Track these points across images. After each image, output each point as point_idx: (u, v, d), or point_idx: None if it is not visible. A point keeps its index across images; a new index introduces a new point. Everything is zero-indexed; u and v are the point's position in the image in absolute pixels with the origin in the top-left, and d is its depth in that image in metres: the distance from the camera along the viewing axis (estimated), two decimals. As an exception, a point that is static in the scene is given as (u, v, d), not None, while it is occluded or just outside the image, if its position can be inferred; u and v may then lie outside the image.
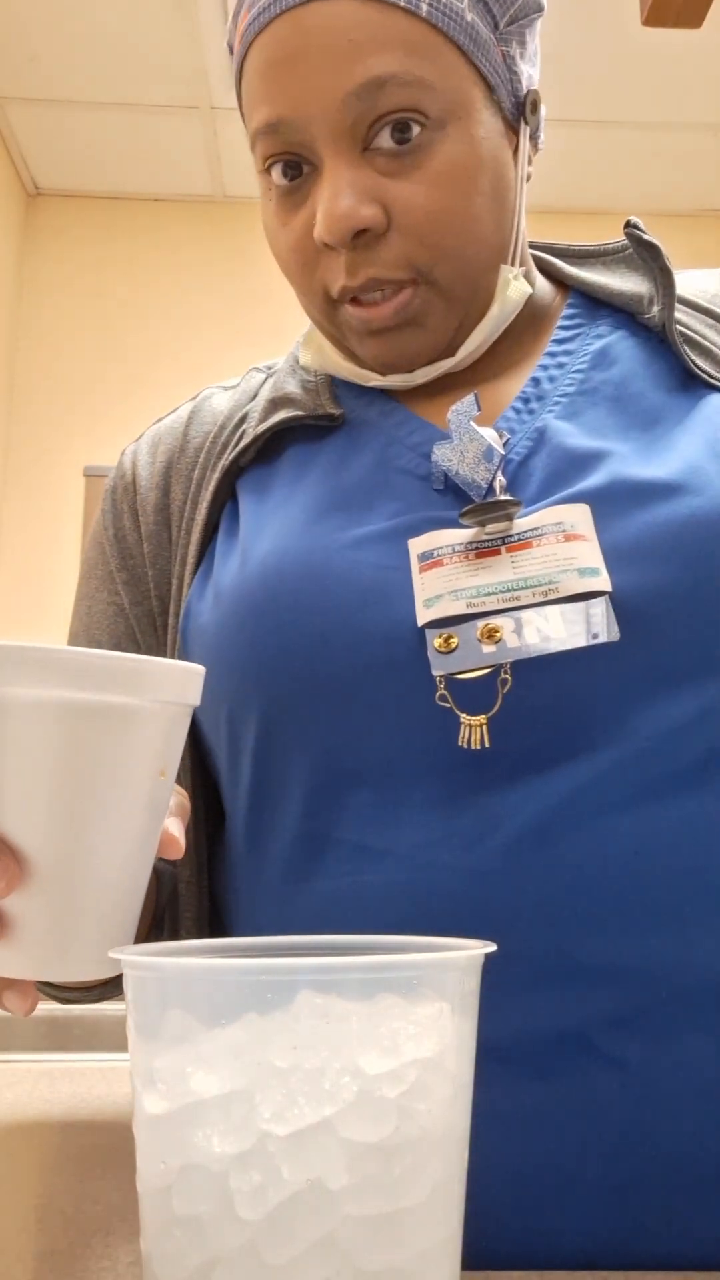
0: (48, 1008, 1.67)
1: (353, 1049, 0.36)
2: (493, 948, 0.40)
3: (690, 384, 0.67)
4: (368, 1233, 0.35)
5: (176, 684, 0.48)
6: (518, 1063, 0.54)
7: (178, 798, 0.54)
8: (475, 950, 0.40)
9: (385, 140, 0.63)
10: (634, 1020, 0.54)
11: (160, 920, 0.72)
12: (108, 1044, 1.48)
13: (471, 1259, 0.52)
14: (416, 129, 0.63)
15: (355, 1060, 0.36)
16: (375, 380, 0.71)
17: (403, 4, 0.62)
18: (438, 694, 0.58)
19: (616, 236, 0.77)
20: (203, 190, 3.08)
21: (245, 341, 2.99)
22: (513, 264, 0.70)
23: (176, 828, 0.52)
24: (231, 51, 0.71)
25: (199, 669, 0.50)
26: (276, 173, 0.67)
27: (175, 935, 0.74)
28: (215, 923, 0.72)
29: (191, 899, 0.71)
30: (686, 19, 0.83)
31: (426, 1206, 0.37)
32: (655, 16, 0.83)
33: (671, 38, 2.40)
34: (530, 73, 0.70)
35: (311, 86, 0.63)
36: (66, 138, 2.86)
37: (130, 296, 3.08)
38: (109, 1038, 1.50)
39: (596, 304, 0.74)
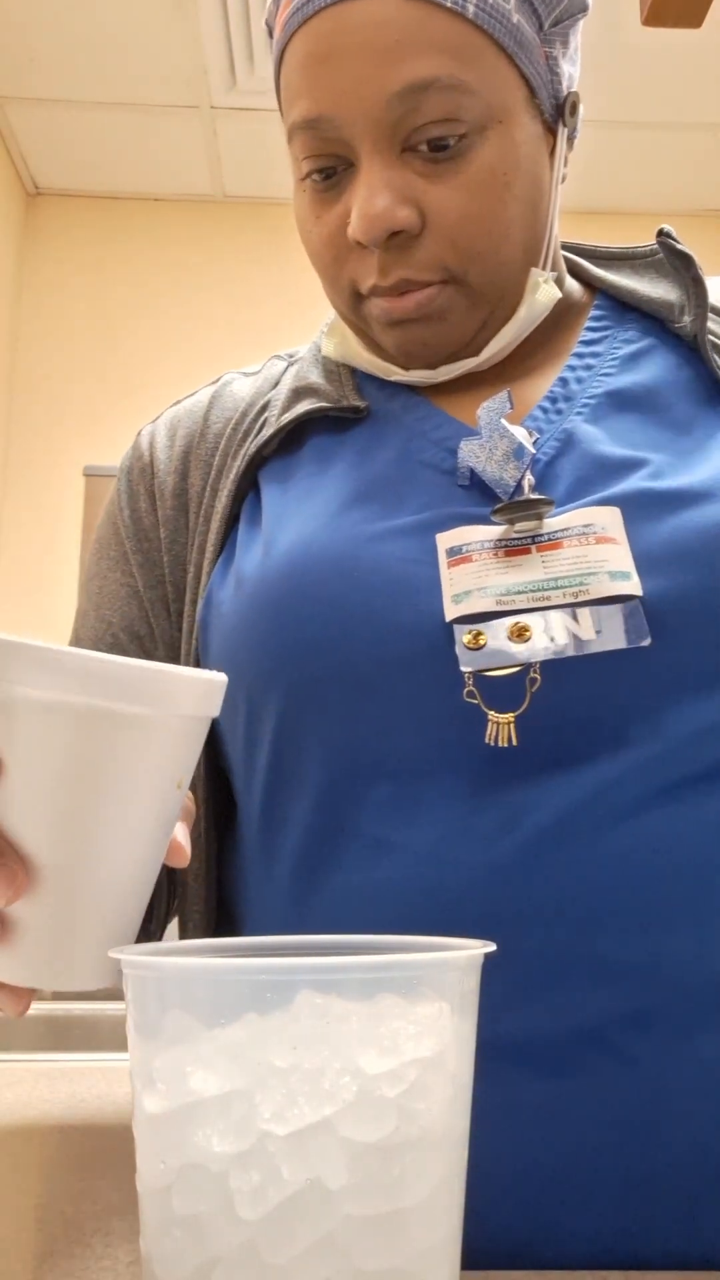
0: (47, 1007, 1.67)
1: (352, 1049, 0.36)
2: (492, 947, 0.40)
3: (718, 393, 0.67)
4: (367, 1232, 0.35)
5: (197, 697, 0.47)
6: (532, 1060, 0.54)
7: (184, 801, 0.54)
8: (474, 950, 0.40)
9: (424, 142, 0.63)
10: (648, 1019, 0.54)
11: (149, 915, 0.72)
12: (107, 1044, 1.48)
13: (480, 1256, 0.52)
14: (456, 133, 0.63)
15: (355, 1060, 0.36)
16: (398, 375, 0.71)
17: (449, 4, 0.62)
18: (465, 690, 0.58)
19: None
20: (202, 190, 3.08)
21: (245, 341, 2.99)
22: (544, 267, 0.70)
23: (183, 834, 0.52)
24: (271, 34, 0.71)
25: (220, 680, 0.49)
26: (312, 166, 0.67)
27: (182, 928, 0.73)
28: (223, 916, 0.71)
29: (199, 891, 0.70)
30: (686, 19, 0.83)
31: (426, 1206, 0.37)
32: (655, 16, 0.83)
33: (671, 38, 2.40)
34: (571, 72, 0.70)
35: (353, 86, 0.62)
36: (66, 137, 2.86)
37: (130, 296, 3.08)
38: (108, 1037, 1.50)
39: (624, 307, 0.74)
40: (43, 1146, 0.75)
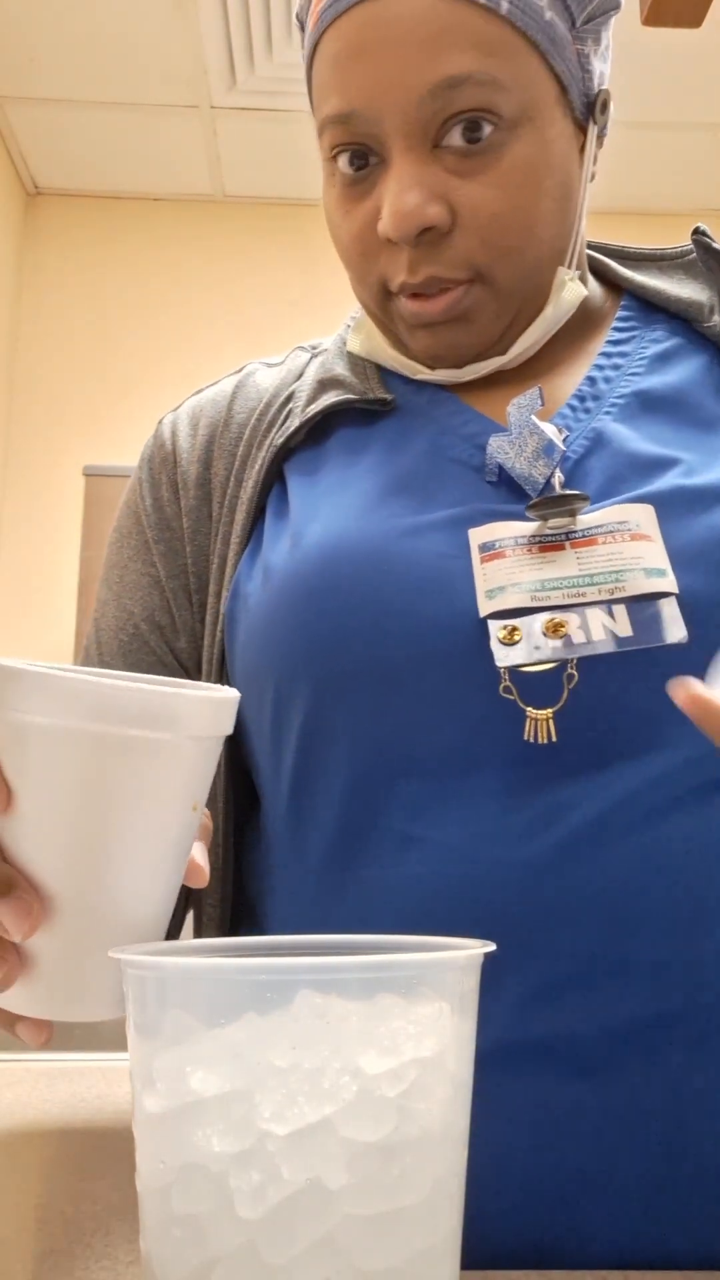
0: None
1: (352, 1048, 0.36)
2: (492, 947, 0.40)
3: None
4: (367, 1232, 0.35)
5: (210, 718, 0.46)
6: (560, 1060, 0.54)
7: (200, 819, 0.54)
8: (474, 950, 0.40)
9: (456, 139, 0.63)
10: (677, 1021, 0.53)
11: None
12: (107, 1043, 1.47)
13: (503, 1255, 0.52)
14: (488, 129, 0.63)
15: (355, 1060, 0.36)
16: (424, 374, 0.71)
17: (483, 1, 0.62)
18: (502, 686, 0.57)
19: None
20: (202, 190, 3.07)
21: (245, 340, 2.99)
22: (570, 266, 0.70)
23: (200, 854, 0.52)
24: (302, 27, 0.70)
25: (232, 698, 0.48)
26: (343, 161, 0.66)
27: (197, 925, 0.73)
28: (243, 912, 0.71)
29: (215, 887, 0.70)
30: (686, 19, 0.83)
31: (426, 1206, 0.37)
32: (655, 16, 0.83)
33: (671, 37, 2.40)
34: (602, 70, 0.70)
35: (386, 81, 0.62)
36: (66, 137, 2.86)
37: (130, 296, 3.08)
38: (108, 1037, 1.49)
39: (650, 308, 0.74)
40: (42, 1146, 0.75)
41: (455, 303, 0.66)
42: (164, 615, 0.75)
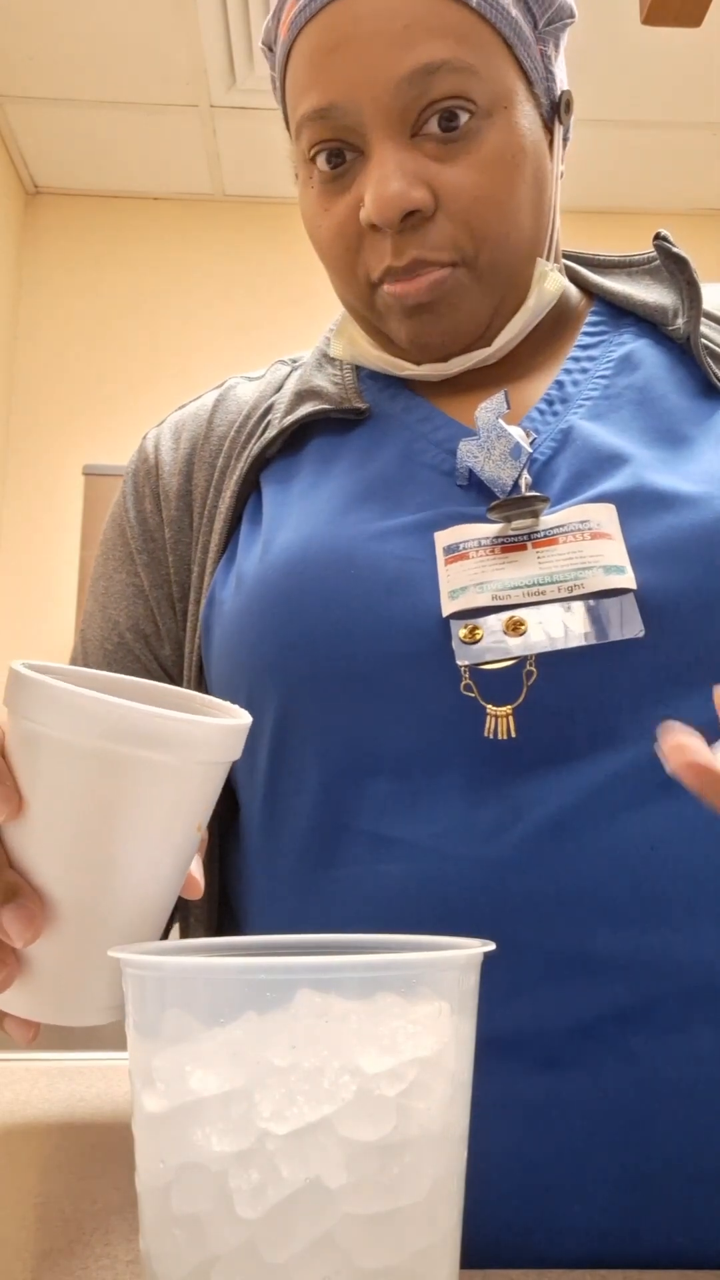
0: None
1: (352, 1048, 0.36)
2: (491, 946, 0.40)
3: (711, 395, 0.68)
4: (367, 1231, 0.35)
5: (220, 744, 0.47)
6: (528, 1054, 0.54)
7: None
8: (474, 950, 0.40)
9: (433, 126, 0.64)
10: (644, 1013, 0.54)
11: None
12: (106, 1043, 1.47)
13: (477, 1253, 0.52)
14: (465, 116, 0.64)
15: (354, 1059, 0.36)
16: (409, 369, 0.72)
17: None
18: (463, 684, 0.58)
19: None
20: (202, 189, 3.07)
21: (245, 339, 2.99)
22: (548, 259, 0.72)
23: (196, 867, 0.52)
24: (270, 49, 0.72)
25: (244, 724, 0.48)
26: (321, 159, 0.67)
27: (184, 926, 0.74)
28: (225, 913, 0.72)
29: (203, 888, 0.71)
30: (686, 18, 0.83)
31: (425, 1205, 0.37)
32: (655, 15, 0.83)
33: (671, 37, 2.40)
34: (561, 76, 0.72)
35: (363, 71, 0.64)
36: (66, 136, 2.85)
37: (130, 295, 3.07)
38: (108, 1036, 1.50)
39: (620, 313, 0.76)
40: (42, 1145, 0.75)
41: (438, 283, 0.67)
42: (148, 624, 0.77)
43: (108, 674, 0.52)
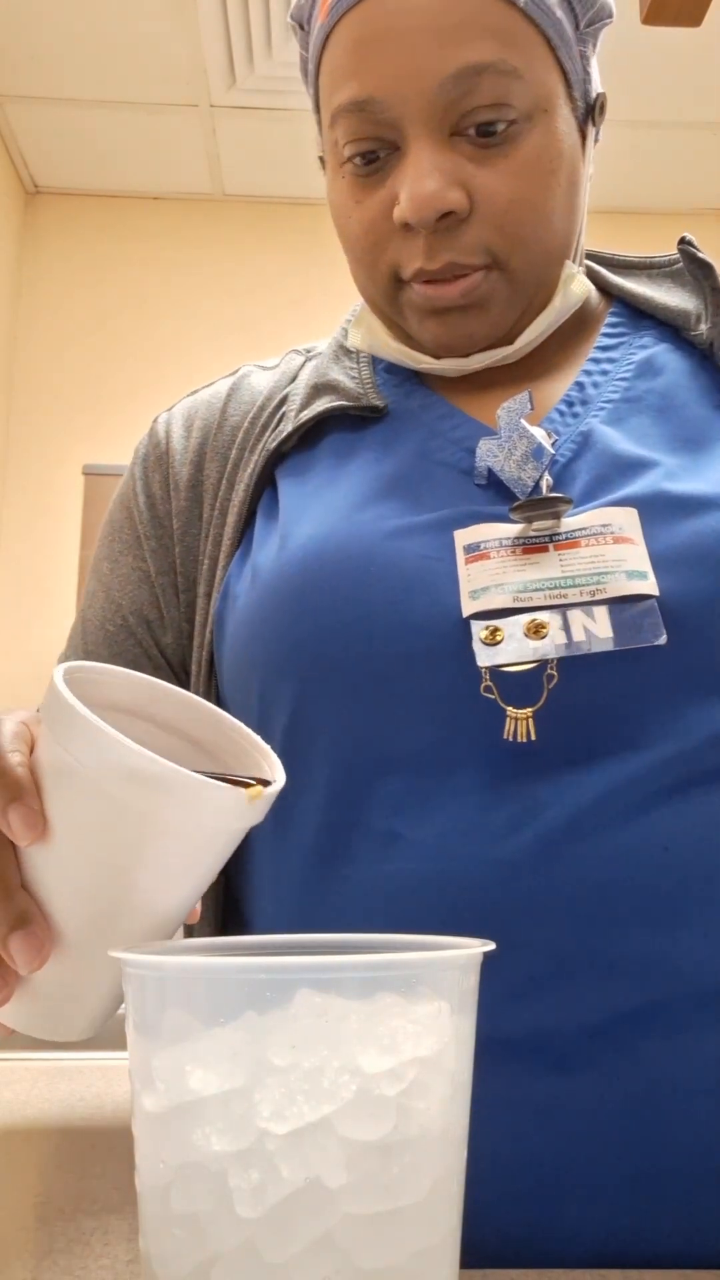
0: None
1: (351, 1048, 0.36)
2: (491, 946, 0.40)
3: None
4: (366, 1231, 0.35)
5: (252, 814, 0.46)
6: (537, 1055, 0.54)
7: None
8: (473, 949, 0.40)
9: (473, 127, 0.64)
10: (655, 1015, 0.54)
11: None
12: (106, 1042, 1.47)
13: (483, 1252, 0.52)
14: (506, 118, 0.64)
15: (354, 1059, 0.36)
16: (428, 363, 0.72)
17: None
18: (483, 685, 0.58)
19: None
20: (202, 188, 3.07)
21: (245, 339, 2.99)
22: (575, 261, 0.71)
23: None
24: (302, 26, 0.71)
25: (273, 792, 0.47)
26: (355, 150, 0.66)
27: (188, 927, 0.73)
28: (230, 908, 0.71)
29: (209, 888, 0.70)
30: (686, 17, 0.83)
31: (425, 1205, 0.37)
32: (655, 14, 0.83)
33: (671, 36, 2.40)
34: (597, 77, 0.72)
35: (408, 67, 0.63)
36: (66, 136, 2.85)
37: (130, 295, 3.07)
38: (108, 1036, 1.49)
39: (639, 314, 0.75)
40: (42, 1145, 0.75)
41: (473, 287, 0.66)
42: (152, 610, 0.76)
43: (152, 680, 0.51)
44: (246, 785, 0.46)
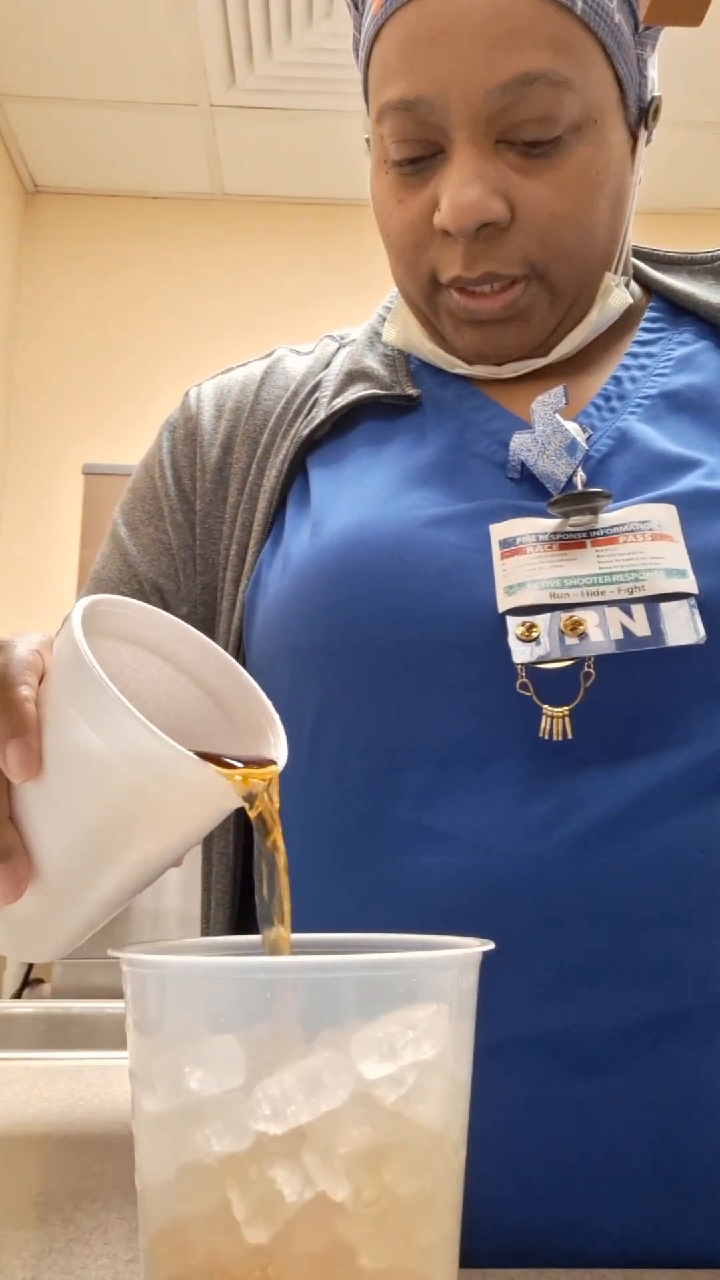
0: (46, 1005, 1.66)
1: (351, 1048, 0.36)
2: (490, 946, 0.40)
3: None
4: (366, 1232, 0.35)
5: (236, 798, 0.46)
6: (566, 1056, 0.54)
7: None
8: (472, 949, 0.40)
9: (520, 136, 0.63)
10: (685, 1020, 0.53)
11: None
12: (106, 1042, 1.47)
13: (507, 1252, 0.52)
14: (552, 135, 0.62)
15: (354, 1059, 0.36)
16: (461, 368, 0.71)
17: None
18: (519, 682, 0.57)
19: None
20: (202, 188, 3.07)
21: (245, 338, 2.99)
22: (616, 272, 0.70)
23: None
24: (357, 7, 0.69)
25: (274, 772, 0.48)
26: (400, 152, 0.65)
27: (206, 907, 0.73)
28: (248, 893, 0.71)
29: (225, 869, 0.70)
30: (686, 16, 0.82)
31: (425, 1205, 0.37)
32: (654, 13, 0.83)
33: (671, 36, 2.40)
34: (654, 77, 0.70)
35: (459, 69, 0.61)
36: (65, 135, 2.85)
37: (129, 294, 3.07)
38: (108, 1036, 1.50)
39: (679, 310, 0.74)
40: (42, 1145, 0.75)
41: (514, 300, 0.66)
42: (170, 582, 0.76)
43: (178, 622, 0.50)
44: (249, 765, 0.46)
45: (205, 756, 0.44)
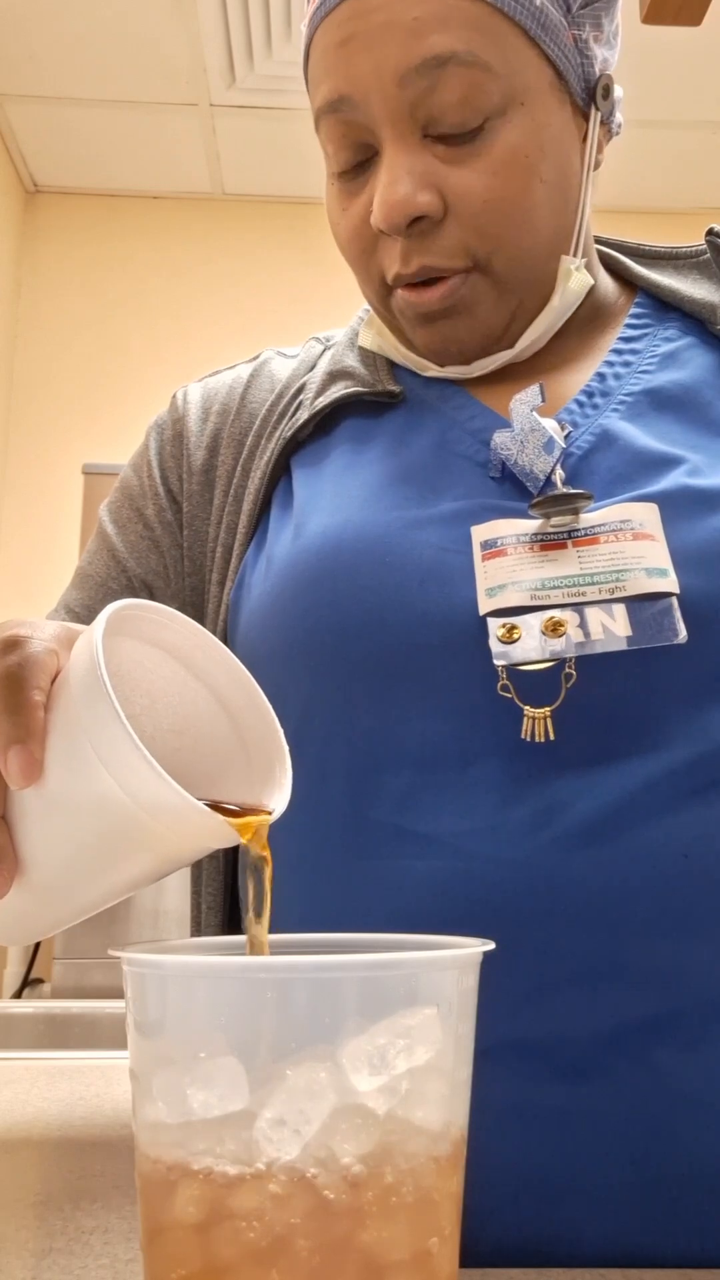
0: (46, 1005, 1.66)
1: (351, 1048, 0.36)
2: (490, 946, 0.40)
3: None
4: (367, 1232, 0.35)
5: (230, 839, 0.46)
6: (550, 1060, 0.53)
7: None
8: (473, 949, 0.40)
9: (444, 126, 0.63)
10: (669, 1024, 0.53)
11: None
12: (107, 1042, 1.47)
13: (488, 1254, 0.52)
14: (475, 122, 0.62)
15: (354, 1059, 0.36)
16: (433, 370, 0.71)
17: None
18: (500, 684, 0.57)
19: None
20: (202, 188, 3.07)
21: (245, 338, 2.98)
22: (574, 254, 0.69)
23: None
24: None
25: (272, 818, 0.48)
26: (339, 158, 0.66)
27: (196, 910, 0.73)
28: (237, 899, 0.71)
29: (215, 874, 0.70)
30: (686, 16, 0.82)
31: (425, 1206, 0.37)
32: (655, 14, 0.83)
33: (671, 36, 2.40)
34: (606, 55, 0.70)
35: (371, 62, 0.62)
36: (65, 135, 2.85)
37: (129, 294, 3.07)
38: (108, 1036, 1.50)
39: (665, 306, 0.74)
40: (42, 1145, 0.75)
41: (451, 291, 0.66)
42: (158, 580, 0.77)
43: (207, 633, 0.50)
44: (246, 811, 0.47)
45: (214, 806, 0.44)
